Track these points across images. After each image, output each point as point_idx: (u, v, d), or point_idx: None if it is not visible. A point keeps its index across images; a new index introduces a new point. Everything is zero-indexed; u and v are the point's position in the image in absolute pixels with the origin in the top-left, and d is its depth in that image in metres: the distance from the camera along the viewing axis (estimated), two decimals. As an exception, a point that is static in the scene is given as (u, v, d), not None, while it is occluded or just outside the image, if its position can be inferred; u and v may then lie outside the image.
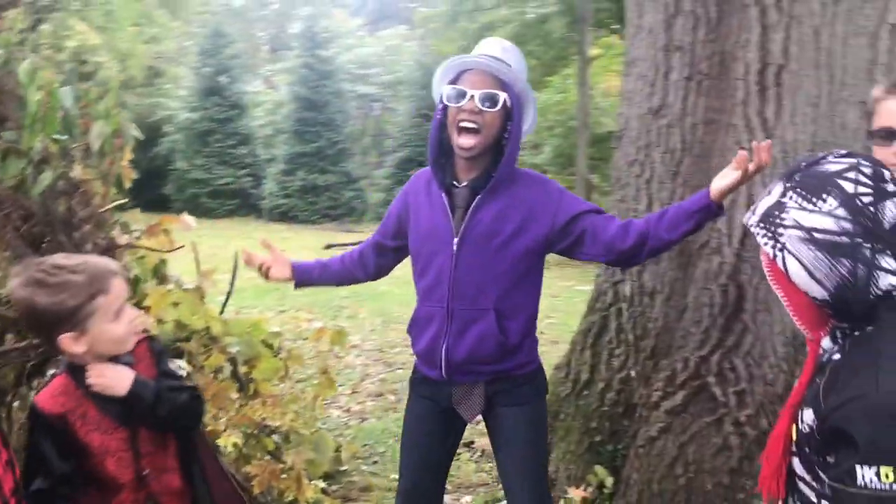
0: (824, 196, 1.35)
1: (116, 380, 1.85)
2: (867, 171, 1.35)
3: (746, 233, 2.99)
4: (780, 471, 1.50)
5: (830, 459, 1.38)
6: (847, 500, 1.28)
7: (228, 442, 2.78)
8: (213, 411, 2.96)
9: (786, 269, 1.39)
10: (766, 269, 1.48)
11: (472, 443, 4.35)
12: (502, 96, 2.22)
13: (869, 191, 1.33)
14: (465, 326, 2.31)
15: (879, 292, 1.34)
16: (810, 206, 1.36)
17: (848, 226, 1.33)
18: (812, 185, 1.38)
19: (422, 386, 2.48)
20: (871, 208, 1.32)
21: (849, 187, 1.33)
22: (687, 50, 3.09)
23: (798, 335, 3.00)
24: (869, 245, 1.33)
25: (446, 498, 3.13)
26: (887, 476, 1.24)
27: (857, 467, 1.27)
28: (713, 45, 3.00)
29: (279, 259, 2.59)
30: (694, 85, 3.08)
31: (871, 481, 1.25)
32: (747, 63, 2.95)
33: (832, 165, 1.37)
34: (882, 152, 2.03)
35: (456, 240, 2.29)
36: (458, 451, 2.74)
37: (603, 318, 3.46)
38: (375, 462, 4.22)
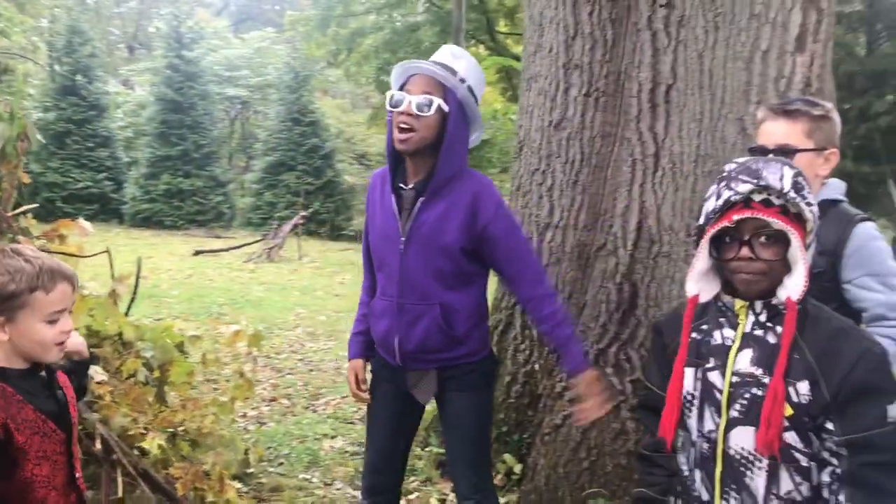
0: (810, 189, 1.72)
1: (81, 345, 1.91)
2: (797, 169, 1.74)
3: (640, 236, 3.29)
4: (780, 433, 1.68)
5: (822, 422, 1.65)
6: (884, 439, 1.59)
7: (153, 444, 2.78)
8: (132, 415, 2.95)
9: (810, 233, 1.70)
10: (794, 233, 1.67)
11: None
12: (437, 101, 2.35)
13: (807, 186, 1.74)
14: (414, 320, 2.46)
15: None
16: (809, 195, 1.70)
17: (819, 220, 1.73)
18: (804, 175, 1.72)
19: (383, 370, 2.63)
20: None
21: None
22: (585, 69, 3.36)
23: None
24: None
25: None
26: None
27: (889, 407, 1.59)
28: (609, 64, 3.29)
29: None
30: (592, 101, 3.36)
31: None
32: (640, 82, 3.25)
33: (777, 163, 1.73)
34: None
35: (402, 240, 2.44)
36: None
37: (508, 315, 3.68)
38: (282, 464, 4.27)
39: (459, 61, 2.44)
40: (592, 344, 3.37)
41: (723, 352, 1.78)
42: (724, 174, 1.77)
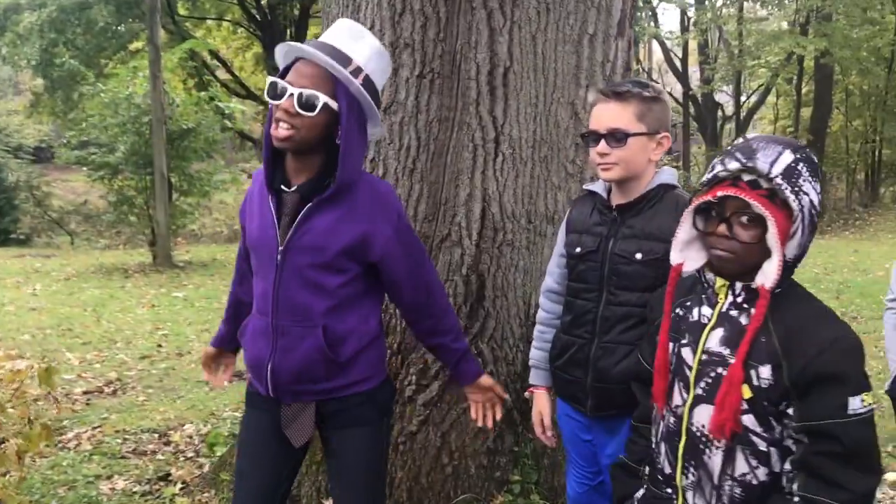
0: (818, 177, 1.65)
1: None
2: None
3: (484, 225, 3.16)
4: (736, 415, 1.66)
5: (783, 408, 1.63)
6: (841, 430, 1.56)
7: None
8: None
9: (795, 229, 1.63)
10: (772, 219, 1.60)
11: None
12: (323, 99, 2.00)
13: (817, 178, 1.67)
14: (292, 345, 2.09)
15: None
16: (813, 182, 1.64)
17: (818, 207, 1.63)
18: (814, 164, 1.65)
19: (257, 396, 2.22)
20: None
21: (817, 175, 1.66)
22: (417, 48, 3.13)
23: (529, 316, 3.27)
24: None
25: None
26: (865, 400, 1.58)
27: (850, 399, 1.56)
28: (444, 44, 3.09)
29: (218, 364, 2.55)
30: (427, 83, 3.14)
31: (858, 408, 1.57)
32: (478, 63, 3.10)
33: (813, 157, 1.67)
34: (591, 152, 2.27)
35: (280, 250, 2.08)
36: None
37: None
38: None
39: (358, 44, 2.08)
40: (440, 341, 3.18)
41: (698, 329, 1.78)
42: (727, 148, 1.73)
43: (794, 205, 1.61)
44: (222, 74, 23.61)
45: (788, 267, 1.66)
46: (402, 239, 2.15)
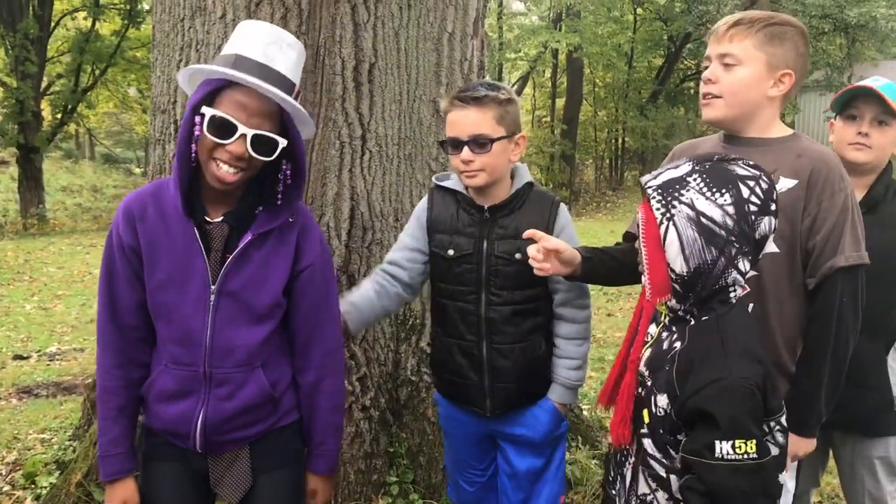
0: (723, 191, 1.60)
1: None
2: (764, 186, 1.62)
3: (353, 224, 3.08)
4: (627, 417, 1.73)
5: (681, 437, 1.63)
6: (706, 470, 1.53)
7: None
8: None
9: (664, 236, 1.61)
10: (642, 227, 1.67)
11: None
12: (282, 143, 1.80)
13: (758, 202, 1.61)
14: (232, 393, 1.88)
15: (722, 285, 1.63)
16: (708, 194, 1.60)
17: (730, 223, 1.59)
18: (717, 177, 1.62)
19: (165, 448, 1.94)
20: (753, 217, 1.60)
21: (745, 192, 1.60)
22: (278, 40, 2.96)
23: (399, 314, 3.24)
24: (737, 245, 1.60)
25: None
26: (740, 448, 1.52)
27: (717, 442, 1.52)
28: (306, 37, 2.96)
29: None
30: (289, 77, 2.98)
31: (727, 453, 1.52)
32: (343, 59, 3.00)
33: (741, 169, 1.63)
34: (453, 160, 2.25)
35: (213, 287, 1.84)
36: None
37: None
38: None
39: (287, 54, 1.82)
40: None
41: (642, 346, 1.82)
42: None
43: (657, 212, 1.62)
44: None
45: (687, 283, 1.62)
46: (319, 270, 1.98)
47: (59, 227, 17.89)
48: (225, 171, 1.77)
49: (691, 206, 1.59)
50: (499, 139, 2.19)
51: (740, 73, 2.00)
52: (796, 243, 1.99)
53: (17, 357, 6.59)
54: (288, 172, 1.87)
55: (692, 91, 32.50)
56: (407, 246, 2.39)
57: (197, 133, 1.76)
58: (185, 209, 1.81)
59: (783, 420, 1.69)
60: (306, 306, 1.96)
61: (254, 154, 1.77)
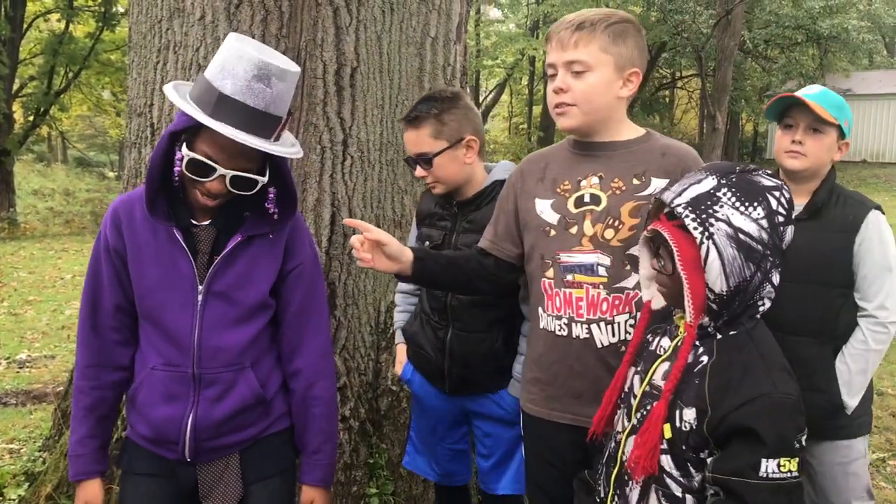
0: (755, 204, 1.55)
1: None
2: (787, 195, 1.59)
3: (334, 231, 3.03)
4: (652, 454, 1.62)
5: (704, 455, 1.56)
6: (749, 490, 1.46)
7: None
8: None
9: (705, 257, 1.53)
10: (675, 248, 1.56)
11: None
12: (262, 181, 1.80)
13: (784, 212, 1.57)
14: (222, 394, 1.85)
15: (755, 300, 1.58)
16: (742, 209, 1.55)
17: (765, 237, 1.55)
18: (747, 190, 1.57)
19: (145, 461, 1.89)
20: (781, 228, 1.56)
21: (773, 203, 1.56)
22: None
23: (380, 323, 3.19)
24: (772, 259, 1.56)
25: None
26: (784, 465, 1.47)
27: (763, 461, 1.46)
28: (287, 40, 2.90)
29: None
30: (269, 80, 2.92)
31: (772, 472, 1.47)
32: (325, 62, 2.95)
33: (765, 180, 1.59)
34: (417, 174, 2.40)
35: (201, 288, 1.83)
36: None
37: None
38: None
39: (276, 87, 1.73)
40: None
41: (651, 359, 1.74)
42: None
43: (696, 232, 1.54)
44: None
45: (726, 302, 1.56)
46: (308, 270, 1.98)
47: (30, 231, 17.61)
48: (205, 199, 1.79)
49: (728, 223, 1.54)
50: (439, 153, 2.30)
51: (591, 78, 1.94)
52: None
53: (-14, 364, 6.43)
54: (272, 196, 1.85)
55: (666, 100, 32.83)
56: (410, 241, 2.61)
57: (177, 169, 1.76)
58: (162, 214, 1.81)
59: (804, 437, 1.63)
60: (295, 306, 1.96)
61: (233, 190, 1.77)
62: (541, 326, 2.10)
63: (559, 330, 2.04)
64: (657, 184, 1.95)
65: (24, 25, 18.87)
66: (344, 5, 2.95)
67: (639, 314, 1.90)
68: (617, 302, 1.97)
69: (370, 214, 3.11)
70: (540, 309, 2.09)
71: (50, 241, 15.00)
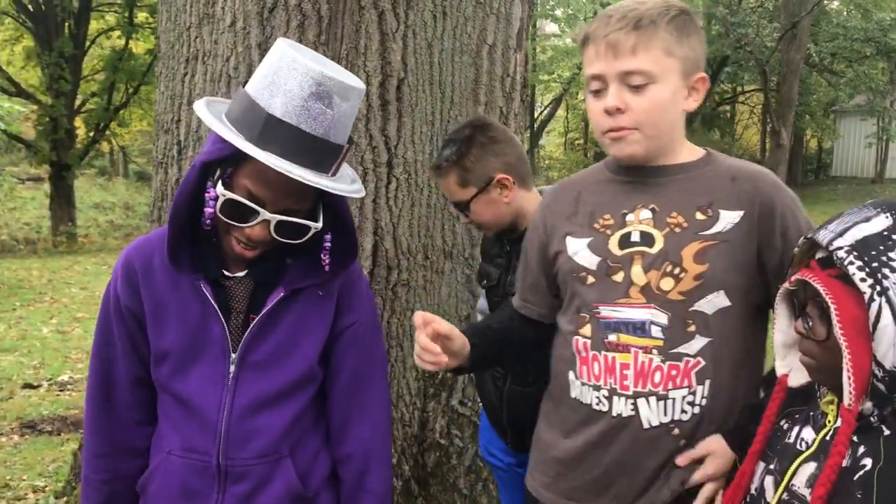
0: None
1: None
2: None
3: (376, 263, 2.69)
4: None
5: None
6: None
7: None
8: None
9: (876, 319, 1.13)
10: (834, 306, 1.17)
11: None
12: (314, 227, 1.45)
13: None
14: (254, 490, 1.49)
15: None
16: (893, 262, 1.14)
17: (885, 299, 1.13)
18: None
19: None
20: None
21: None
22: (294, 51, 2.59)
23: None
24: None
25: None
26: None
27: None
28: (326, 48, 2.58)
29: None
30: (306, 93, 2.60)
31: None
32: (368, 73, 2.62)
33: None
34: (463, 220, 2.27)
35: (233, 357, 1.47)
36: None
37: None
38: None
39: (338, 107, 1.39)
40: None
41: (790, 455, 1.32)
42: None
43: (863, 285, 1.16)
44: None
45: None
46: (364, 333, 1.63)
47: (88, 244, 17.79)
48: (243, 248, 1.44)
49: None
50: (472, 199, 2.12)
51: (655, 92, 1.50)
52: (756, 293, 1.54)
53: (27, 386, 6.27)
54: (327, 245, 1.50)
55: (728, 115, 31.96)
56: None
57: (209, 210, 1.40)
58: (188, 263, 1.46)
59: None
60: (348, 374, 1.60)
61: (278, 238, 1.42)
62: (573, 396, 1.64)
63: (597, 404, 1.58)
64: (729, 217, 1.52)
65: (87, 42, 19.19)
66: (390, 9, 2.62)
67: (699, 388, 1.51)
68: (673, 372, 1.51)
69: (417, 244, 2.76)
70: (571, 374, 1.64)
71: (105, 255, 15.07)
